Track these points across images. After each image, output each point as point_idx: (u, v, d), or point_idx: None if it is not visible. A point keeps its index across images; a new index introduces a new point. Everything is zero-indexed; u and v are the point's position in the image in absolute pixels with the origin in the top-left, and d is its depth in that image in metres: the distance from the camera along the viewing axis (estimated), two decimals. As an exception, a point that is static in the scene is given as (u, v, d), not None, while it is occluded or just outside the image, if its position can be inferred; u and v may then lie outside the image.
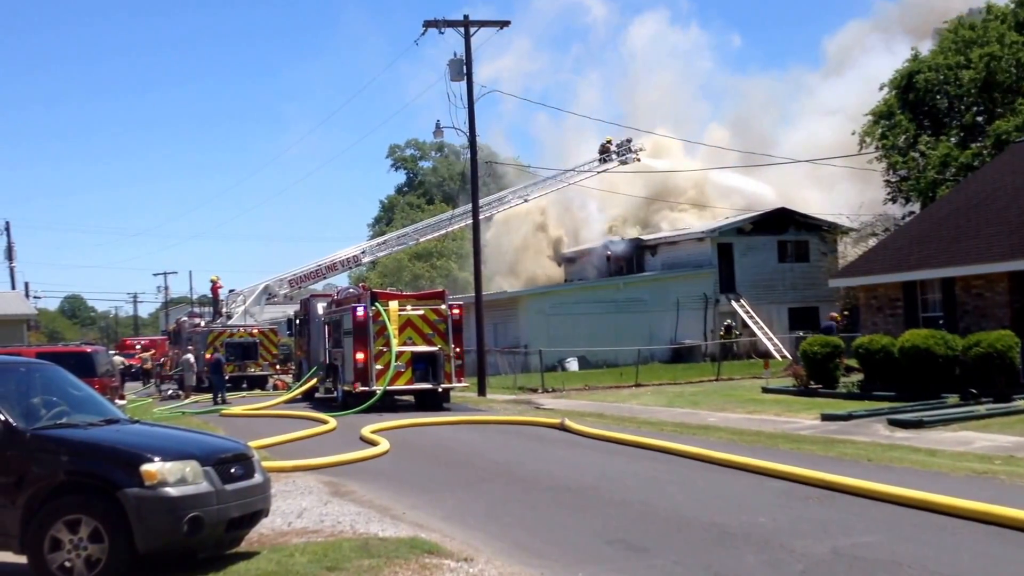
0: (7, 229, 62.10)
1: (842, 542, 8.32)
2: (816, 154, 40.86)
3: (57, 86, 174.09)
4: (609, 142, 44.60)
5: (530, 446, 16.35)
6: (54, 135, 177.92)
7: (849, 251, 37.40)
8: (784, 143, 50.52)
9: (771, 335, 40.38)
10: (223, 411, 26.45)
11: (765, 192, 47.42)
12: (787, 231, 43.23)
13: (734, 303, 41.84)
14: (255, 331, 39.27)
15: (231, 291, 42.73)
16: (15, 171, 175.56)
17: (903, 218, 35.63)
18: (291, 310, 39.44)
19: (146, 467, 7.45)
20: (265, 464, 9.42)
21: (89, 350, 23.01)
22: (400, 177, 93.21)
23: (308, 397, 29.24)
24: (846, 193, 44.63)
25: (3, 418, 7.80)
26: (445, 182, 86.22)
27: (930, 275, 22.12)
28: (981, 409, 17.50)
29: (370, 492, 11.77)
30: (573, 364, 38.24)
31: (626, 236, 48.17)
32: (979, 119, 35.26)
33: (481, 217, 33.71)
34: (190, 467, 7.64)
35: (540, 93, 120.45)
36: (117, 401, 20.24)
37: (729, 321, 41.03)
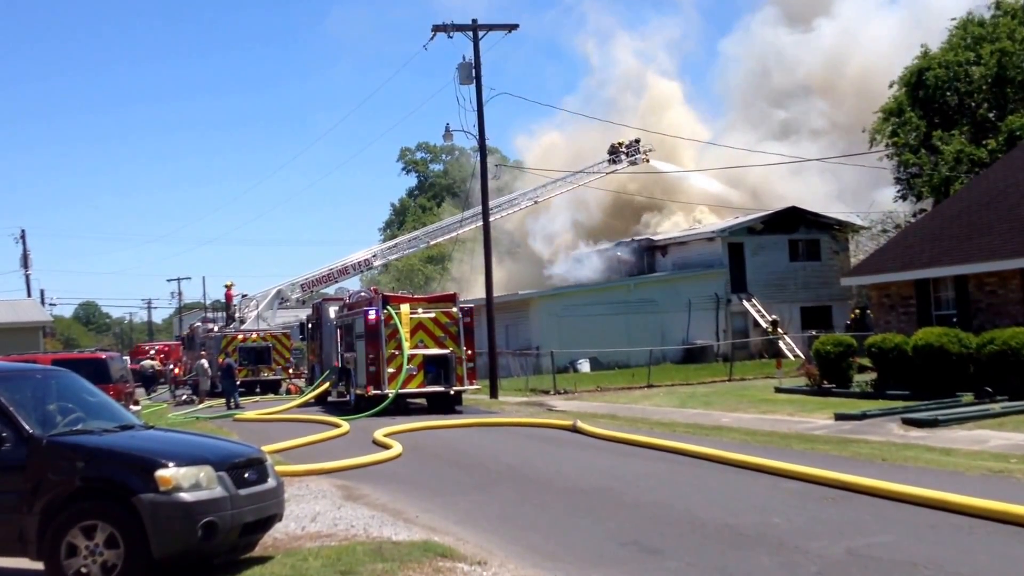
0: (23, 237, 62.54)
1: (857, 543, 8.29)
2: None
3: (72, 94, 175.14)
4: (620, 143, 44.56)
5: (542, 448, 16.34)
6: (69, 143, 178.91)
7: (868, 247, 37.08)
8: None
9: (784, 334, 40.24)
10: (237, 416, 26.55)
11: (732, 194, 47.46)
12: (797, 230, 43.08)
13: (745, 303, 41.71)
14: (268, 335, 39.45)
15: (244, 296, 42.90)
16: (30, 179, 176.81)
17: (913, 215, 35.45)
18: (303, 314, 39.64)
19: (161, 472, 7.49)
20: (278, 468, 9.45)
21: (104, 356, 23.10)
22: (411, 180, 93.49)
23: (321, 401, 29.32)
24: (836, 176, 44.41)
25: (20, 425, 7.86)
26: (456, 184, 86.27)
27: (943, 273, 22.00)
28: (996, 407, 17.38)
29: (383, 495, 11.79)
30: (585, 366, 38.19)
31: (636, 236, 48.10)
32: (990, 115, 35.07)
33: (492, 219, 33.72)
34: (204, 472, 7.68)
35: (553, 91, 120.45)
36: (131, 407, 20.30)
37: (775, 316, 40.75)
